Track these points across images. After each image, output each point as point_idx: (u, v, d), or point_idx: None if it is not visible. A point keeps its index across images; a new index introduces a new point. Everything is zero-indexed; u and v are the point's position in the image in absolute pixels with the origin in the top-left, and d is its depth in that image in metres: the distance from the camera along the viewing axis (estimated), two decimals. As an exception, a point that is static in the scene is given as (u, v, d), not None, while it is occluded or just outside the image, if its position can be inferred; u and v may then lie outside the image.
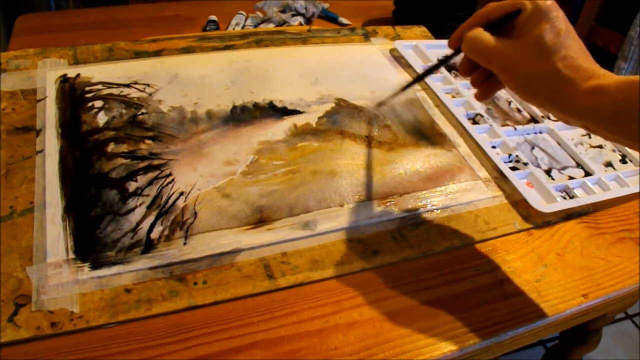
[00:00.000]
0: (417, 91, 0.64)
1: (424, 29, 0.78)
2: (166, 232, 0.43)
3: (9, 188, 0.43)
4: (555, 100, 0.37)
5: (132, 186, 0.45)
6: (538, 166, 0.58)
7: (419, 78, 0.51)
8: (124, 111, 0.52)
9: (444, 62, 0.47)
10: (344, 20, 0.92)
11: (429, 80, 0.64)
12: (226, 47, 0.64)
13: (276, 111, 0.56)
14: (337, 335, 0.38)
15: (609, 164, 0.60)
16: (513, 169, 0.56)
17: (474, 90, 0.45)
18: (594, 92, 0.35)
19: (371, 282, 0.43)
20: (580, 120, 0.37)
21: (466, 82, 0.64)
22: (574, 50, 0.37)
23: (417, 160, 0.54)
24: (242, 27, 0.83)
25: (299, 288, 0.41)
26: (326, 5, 0.94)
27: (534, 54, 0.37)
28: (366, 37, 0.73)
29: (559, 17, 0.38)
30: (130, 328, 0.37)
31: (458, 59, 0.45)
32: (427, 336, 0.39)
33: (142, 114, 0.52)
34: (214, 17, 0.85)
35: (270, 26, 0.84)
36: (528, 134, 0.62)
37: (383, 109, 0.59)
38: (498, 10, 0.40)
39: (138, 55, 0.60)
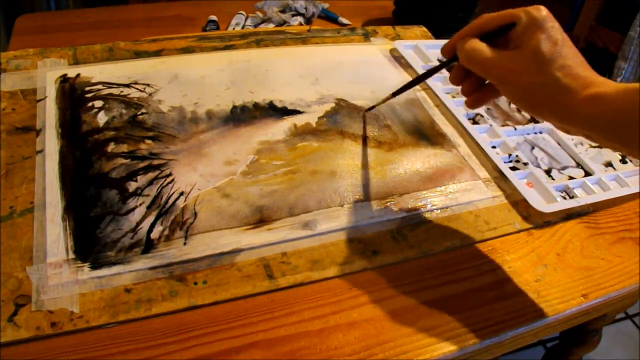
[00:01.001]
0: (417, 91, 0.64)
1: (424, 29, 0.78)
2: (166, 232, 0.43)
3: (9, 188, 0.43)
4: (554, 110, 0.37)
5: (132, 186, 0.45)
6: (538, 166, 0.58)
7: (410, 84, 0.50)
8: (124, 111, 0.52)
9: (437, 69, 0.47)
10: (344, 20, 0.92)
11: (429, 80, 0.64)
12: (226, 47, 0.64)
13: (276, 111, 0.56)
14: (337, 335, 0.38)
15: (609, 164, 0.60)
16: (513, 169, 0.56)
17: None
18: (594, 100, 0.35)
19: (371, 282, 0.43)
20: (580, 129, 0.37)
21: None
22: (571, 59, 0.37)
23: (417, 160, 0.54)
24: (242, 27, 0.83)
25: (299, 288, 0.41)
26: (326, 5, 0.94)
27: (532, 65, 0.37)
28: (366, 37, 0.73)
29: (555, 28, 0.38)
30: (130, 328, 0.37)
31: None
32: (427, 336, 0.39)
33: (142, 114, 0.52)
34: (214, 17, 0.85)
35: (270, 26, 0.84)
36: (528, 134, 0.62)
37: (383, 109, 0.59)
38: (493, 22, 0.40)
39: (138, 55, 0.60)
